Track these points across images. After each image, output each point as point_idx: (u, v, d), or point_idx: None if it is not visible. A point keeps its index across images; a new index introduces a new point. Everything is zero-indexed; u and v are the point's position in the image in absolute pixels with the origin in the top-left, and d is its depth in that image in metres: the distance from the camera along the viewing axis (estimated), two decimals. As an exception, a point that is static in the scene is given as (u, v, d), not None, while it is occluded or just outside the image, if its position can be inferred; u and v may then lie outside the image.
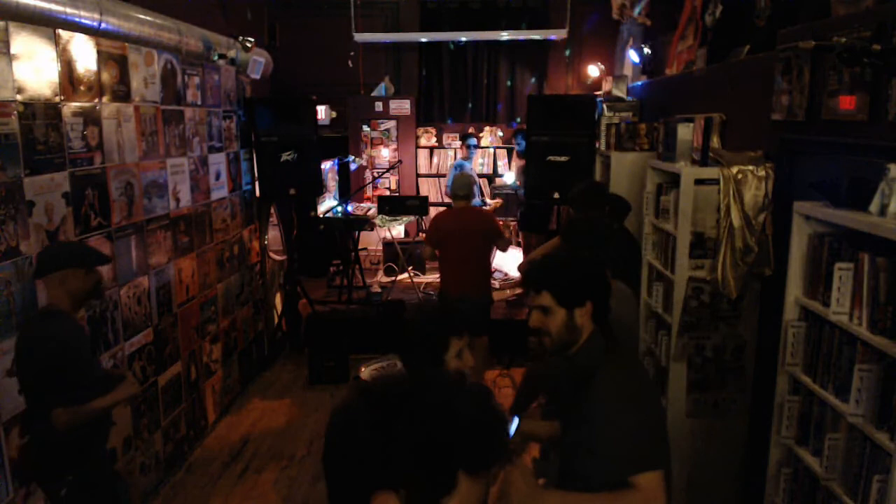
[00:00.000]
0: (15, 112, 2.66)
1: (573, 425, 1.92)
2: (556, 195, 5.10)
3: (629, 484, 1.72)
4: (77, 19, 3.18)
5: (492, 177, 8.37)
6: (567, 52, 8.17)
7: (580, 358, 1.90)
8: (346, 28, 7.81)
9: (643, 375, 2.09)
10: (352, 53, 8.25)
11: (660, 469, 1.75)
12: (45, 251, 2.68)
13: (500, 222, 6.09)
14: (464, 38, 8.13)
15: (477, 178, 7.23)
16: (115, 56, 3.40)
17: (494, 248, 4.89)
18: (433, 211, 8.17)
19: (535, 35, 7.95)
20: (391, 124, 8.32)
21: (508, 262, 7.46)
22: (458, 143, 8.47)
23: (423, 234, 5.87)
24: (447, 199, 8.23)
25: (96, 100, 3.22)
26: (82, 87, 3.12)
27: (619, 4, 6.31)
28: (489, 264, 4.86)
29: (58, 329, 2.40)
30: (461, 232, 4.49)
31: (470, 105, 8.52)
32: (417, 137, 8.44)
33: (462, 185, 4.62)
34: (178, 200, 4.03)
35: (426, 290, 6.95)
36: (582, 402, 1.86)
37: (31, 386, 2.45)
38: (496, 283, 6.85)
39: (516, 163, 7.75)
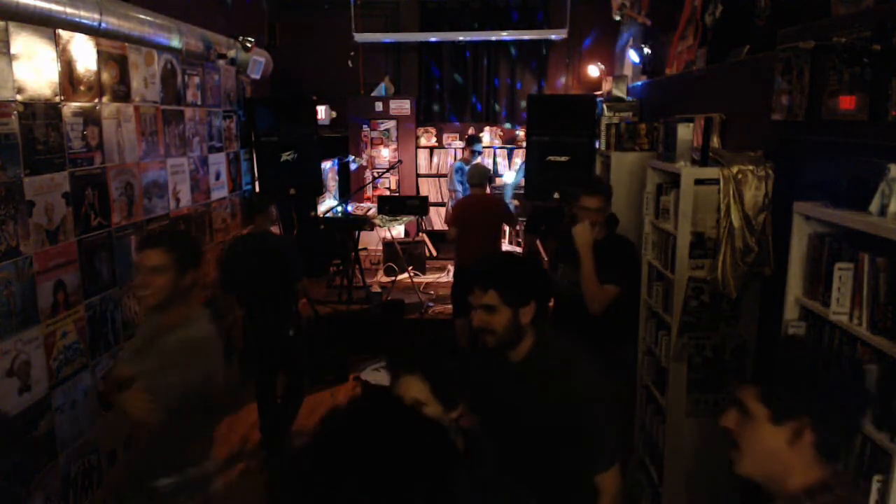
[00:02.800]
0: (15, 112, 2.66)
1: (527, 428, 1.90)
2: (557, 195, 5.11)
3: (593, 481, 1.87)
4: (77, 19, 3.18)
5: (491, 177, 8.37)
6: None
7: (535, 361, 1.93)
8: (346, 28, 7.81)
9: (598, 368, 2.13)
10: (352, 53, 8.25)
11: (618, 462, 1.92)
12: (257, 197, 4.61)
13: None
14: (464, 38, 8.13)
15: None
16: (115, 56, 3.39)
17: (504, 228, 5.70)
18: (433, 211, 8.18)
19: (536, 35, 7.95)
20: (391, 124, 8.32)
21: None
22: (458, 144, 8.48)
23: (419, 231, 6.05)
24: (447, 199, 8.24)
25: (96, 100, 3.22)
26: (82, 87, 3.12)
27: (618, 4, 6.31)
28: (499, 241, 5.54)
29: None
30: (475, 214, 5.23)
31: (470, 105, 8.52)
32: (417, 137, 8.45)
33: (474, 175, 5.42)
34: (178, 200, 4.03)
35: (426, 290, 6.96)
36: (539, 400, 1.88)
37: (287, 274, 4.11)
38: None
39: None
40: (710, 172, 3.09)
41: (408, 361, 1.62)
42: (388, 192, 8.35)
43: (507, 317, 1.88)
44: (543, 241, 6.66)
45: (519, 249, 7.39)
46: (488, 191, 7.94)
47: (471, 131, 8.48)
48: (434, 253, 8.15)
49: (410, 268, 7.06)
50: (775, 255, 2.97)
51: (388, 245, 7.35)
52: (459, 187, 7.55)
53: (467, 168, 7.37)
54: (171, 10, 4.33)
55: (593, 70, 7.69)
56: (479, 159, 7.79)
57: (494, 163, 8.47)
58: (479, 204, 5.35)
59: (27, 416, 2.70)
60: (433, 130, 8.55)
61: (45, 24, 2.91)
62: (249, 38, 5.24)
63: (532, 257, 2.78)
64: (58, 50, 2.94)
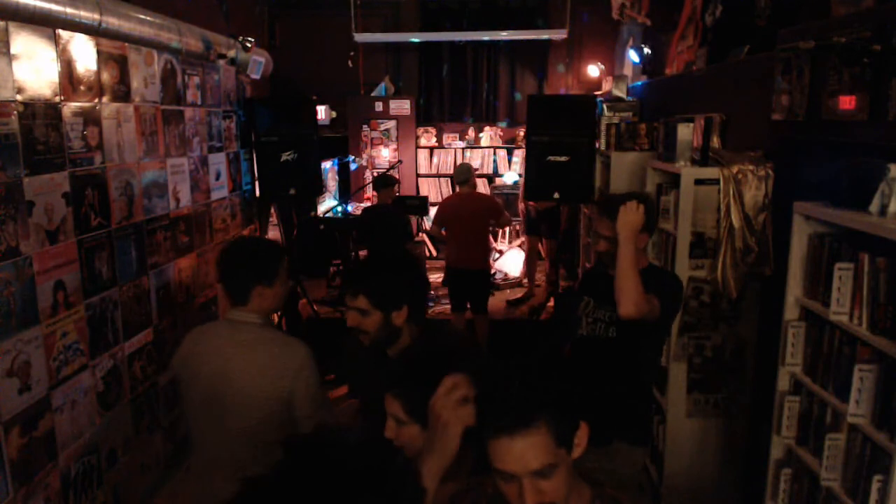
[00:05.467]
0: (15, 112, 2.65)
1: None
2: (557, 195, 5.10)
3: None
4: (77, 19, 3.18)
5: (491, 177, 8.38)
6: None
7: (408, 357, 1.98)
8: (346, 28, 7.81)
9: None
10: (352, 53, 8.25)
11: None
12: (381, 178, 6.14)
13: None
14: (464, 38, 8.13)
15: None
16: (115, 56, 3.39)
17: (494, 227, 5.75)
18: (433, 211, 8.18)
19: (535, 35, 7.95)
20: (391, 124, 8.32)
21: (509, 262, 7.47)
22: (458, 144, 8.50)
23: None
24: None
25: (96, 100, 3.22)
26: (82, 87, 3.12)
27: (618, 4, 6.31)
28: (487, 239, 5.62)
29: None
30: (461, 213, 5.27)
31: (470, 105, 8.52)
32: (417, 137, 8.44)
33: (459, 173, 5.50)
34: (178, 200, 4.03)
35: (426, 290, 6.94)
36: None
37: (396, 234, 5.56)
38: (497, 283, 6.91)
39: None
40: (710, 172, 3.09)
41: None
42: (388, 192, 8.35)
43: (378, 319, 1.97)
44: (547, 241, 6.66)
45: (521, 252, 7.39)
46: (486, 190, 8.00)
47: (471, 132, 8.49)
48: (434, 253, 8.15)
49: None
50: (775, 255, 2.97)
51: (388, 245, 7.34)
52: None
53: None
54: (171, 10, 4.33)
55: (593, 70, 7.69)
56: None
57: (494, 163, 8.47)
58: (463, 202, 5.38)
59: (27, 416, 2.70)
60: (433, 130, 8.55)
61: (45, 24, 2.91)
62: (249, 38, 5.24)
63: (408, 260, 2.23)
64: (58, 50, 2.94)
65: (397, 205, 6.21)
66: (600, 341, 2.58)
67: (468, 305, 5.46)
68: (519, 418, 1.18)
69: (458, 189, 5.54)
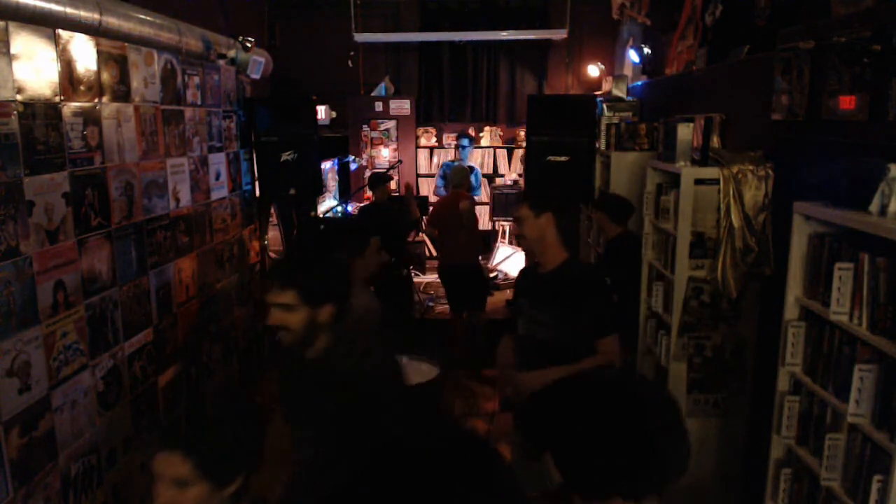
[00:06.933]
0: (15, 112, 2.65)
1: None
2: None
3: None
4: (77, 19, 3.18)
5: (492, 176, 8.38)
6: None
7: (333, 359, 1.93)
8: (346, 28, 7.81)
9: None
10: (352, 53, 8.25)
11: None
12: (376, 176, 5.78)
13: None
14: (464, 38, 8.13)
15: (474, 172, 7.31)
16: (115, 56, 3.39)
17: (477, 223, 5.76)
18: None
19: (535, 35, 7.95)
20: (391, 124, 8.32)
21: (509, 262, 7.47)
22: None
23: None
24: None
25: (96, 100, 3.22)
26: (82, 87, 3.12)
27: (618, 4, 6.31)
28: (477, 236, 5.75)
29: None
30: (453, 212, 5.43)
31: (470, 105, 8.52)
32: (417, 137, 8.44)
33: (454, 175, 5.76)
34: (178, 200, 4.03)
35: (426, 290, 6.95)
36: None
37: (397, 229, 5.44)
38: (498, 283, 6.92)
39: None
40: (710, 172, 3.09)
41: (171, 436, 1.57)
42: (388, 192, 8.34)
43: (304, 316, 1.88)
44: None
45: (519, 250, 7.39)
46: (486, 189, 8.00)
47: (471, 132, 8.49)
48: (434, 253, 8.15)
49: (411, 267, 7.05)
50: (775, 255, 2.97)
51: (388, 245, 7.34)
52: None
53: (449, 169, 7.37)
54: (171, 10, 4.33)
55: (593, 70, 7.69)
56: (468, 155, 7.76)
57: (494, 163, 8.46)
58: (454, 202, 5.51)
59: (27, 416, 2.70)
60: (433, 130, 8.55)
61: (45, 24, 2.91)
62: (249, 38, 5.24)
63: (336, 257, 2.33)
64: (58, 50, 2.94)
65: (393, 202, 6.26)
66: (537, 342, 2.59)
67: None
68: None
69: (451, 191, 5.69)
